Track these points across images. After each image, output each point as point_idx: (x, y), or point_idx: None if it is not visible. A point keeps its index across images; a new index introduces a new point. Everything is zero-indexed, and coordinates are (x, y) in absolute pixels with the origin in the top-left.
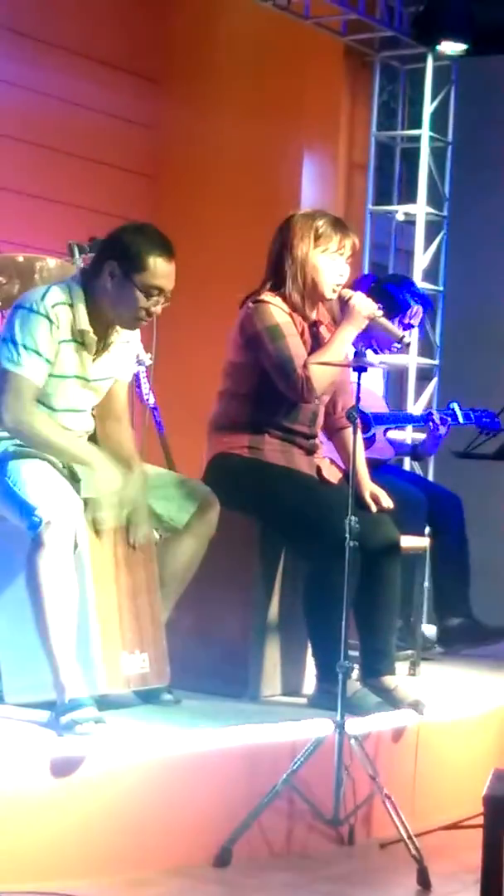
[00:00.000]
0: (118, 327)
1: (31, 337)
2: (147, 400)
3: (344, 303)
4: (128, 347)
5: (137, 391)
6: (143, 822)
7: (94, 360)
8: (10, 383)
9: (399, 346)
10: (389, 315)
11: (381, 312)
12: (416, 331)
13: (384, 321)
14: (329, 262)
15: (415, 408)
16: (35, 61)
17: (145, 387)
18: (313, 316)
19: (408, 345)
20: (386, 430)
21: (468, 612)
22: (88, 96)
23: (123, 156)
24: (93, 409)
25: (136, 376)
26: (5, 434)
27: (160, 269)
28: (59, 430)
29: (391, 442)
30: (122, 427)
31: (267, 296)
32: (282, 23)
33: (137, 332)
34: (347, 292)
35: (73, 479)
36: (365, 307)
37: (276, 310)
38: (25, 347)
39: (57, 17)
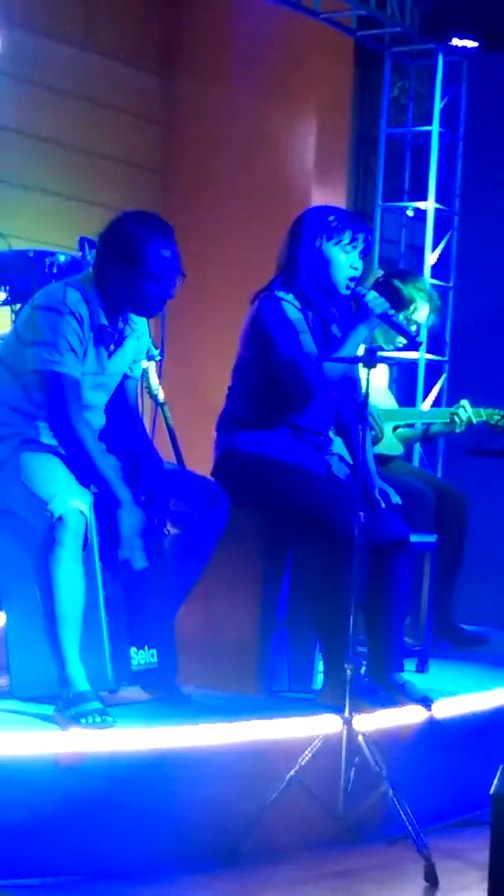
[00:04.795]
0: (130, 321)
1: (64, 336)
2: (156, 395)
3: (358, 301)
4: (139, 343)
5: (146, 386)
6: (149, 818)
7: (110, 355)
8: (56, 384)
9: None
10: (395, 310)
11: (394, 311)
12: (424, 329)
13: (397, 320)
14: (342, 255)
15: (424, 404)
16: (44, 57)
17: (155, 382)
18: (324, 313)
19: (420, 344)
20: (395, 427)
21: (449, 613)
22: (97, 92)
23: (133, 151)
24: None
25: (145, 371)
26: (16, 428)
27: (160, 256)
28: (102, 453)
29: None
30: (134, 421)
31: (279, 292)
32: (292, 18)
33: (147, 328)
34: (362, 290)
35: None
36: (378, 306)
37: (288, 306)
38: (61, 346)
39: (65, 13)
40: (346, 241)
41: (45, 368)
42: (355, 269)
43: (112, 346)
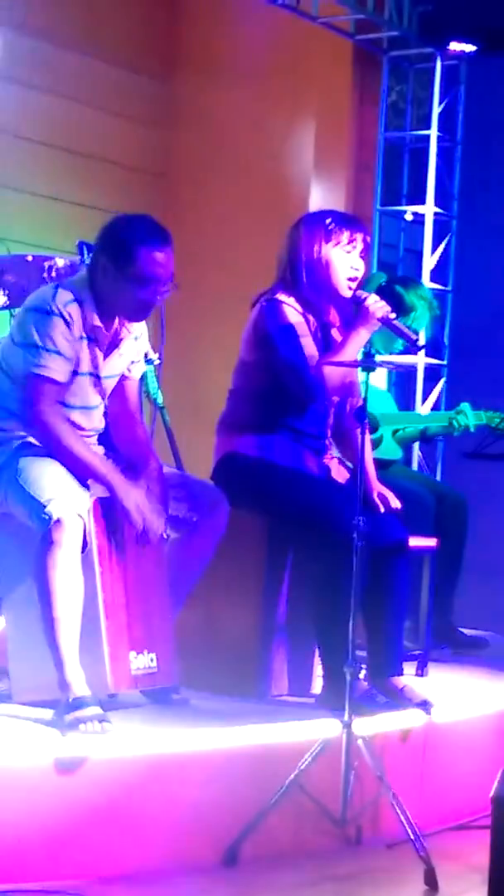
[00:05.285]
0: (127, 323)
1: (50, 338)
2: (155, 399)
3: (358, 304)
4: (136, 344)
5: (145, 390)
6: (149, 822)
7: (105, 356)
8: (36, 387)
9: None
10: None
11: (394, 315)
12: (423, 333)
13: (397, 324)
14: (342, 256)
15: (423, 408)
16: (45, 61)
17: (154, 385)
18: (326, 317)
19: (421, 348)
20: (395, 431)
21: (448, 616)
22: (98, 96)
23: (133, 155)
24: (103, 408)
25: (144, 375)
26: (15, 432)
27: (151, 259)
28: (84, 444)
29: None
30: (135, 424)
31: (281, 295)
32: (290, 22)
33: (145, 329)
34: (362, 293)
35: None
36: (379, 309)
37: (290, 310)
38: (47, 349)
39: (66, 17)
40: (345, 242)
41: (27, 370)
42: (356, 269)
43: (107, 348)
